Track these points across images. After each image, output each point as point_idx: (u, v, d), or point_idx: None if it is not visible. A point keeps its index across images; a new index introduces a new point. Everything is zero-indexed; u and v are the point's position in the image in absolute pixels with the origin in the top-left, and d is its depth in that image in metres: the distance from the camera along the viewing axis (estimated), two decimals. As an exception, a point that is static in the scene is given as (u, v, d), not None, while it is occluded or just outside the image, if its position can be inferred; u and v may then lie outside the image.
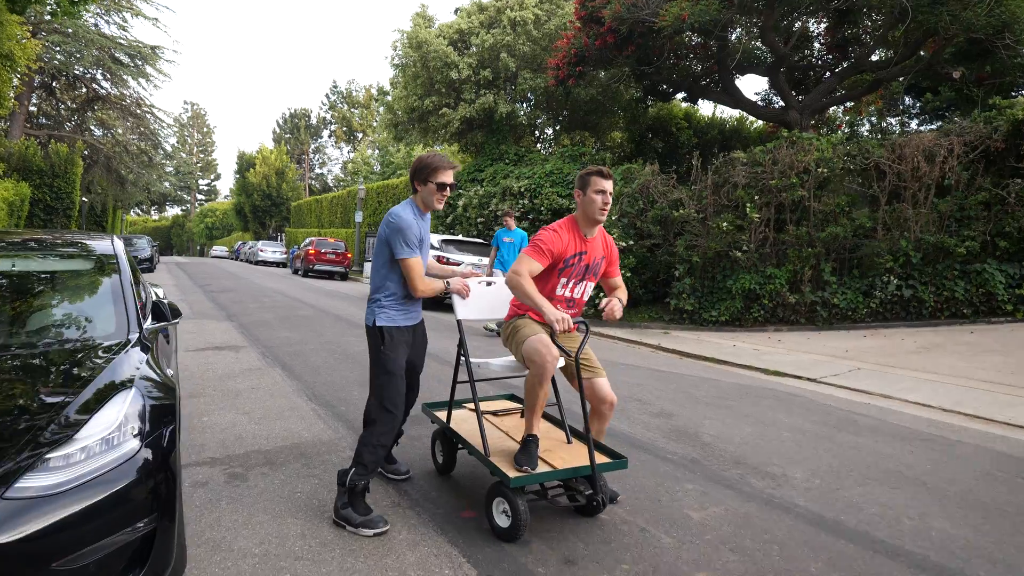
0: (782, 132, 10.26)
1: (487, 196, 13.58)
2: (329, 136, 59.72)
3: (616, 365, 6.57)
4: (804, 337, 8.39)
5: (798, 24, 12.75)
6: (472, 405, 3.05)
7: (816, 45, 14.25)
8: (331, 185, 54.33)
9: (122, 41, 21.92)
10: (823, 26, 13.47)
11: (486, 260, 11.60)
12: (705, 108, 30.54)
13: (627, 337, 8.75)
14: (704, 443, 4.02)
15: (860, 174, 9.07)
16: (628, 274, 9.77)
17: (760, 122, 17.82)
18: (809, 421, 4.63)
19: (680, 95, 14.91)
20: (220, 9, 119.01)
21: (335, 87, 60.82)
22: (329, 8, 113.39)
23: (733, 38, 12.88)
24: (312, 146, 59.99)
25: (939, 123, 15.09)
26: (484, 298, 3.04)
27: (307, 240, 22.36)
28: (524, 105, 15.41)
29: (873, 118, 17.20)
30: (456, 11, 16.03)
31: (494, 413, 3.33)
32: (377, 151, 44.38)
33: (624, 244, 9.75)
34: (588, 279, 2.82)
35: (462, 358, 2.91)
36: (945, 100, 14.45)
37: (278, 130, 60.64)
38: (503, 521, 2.54)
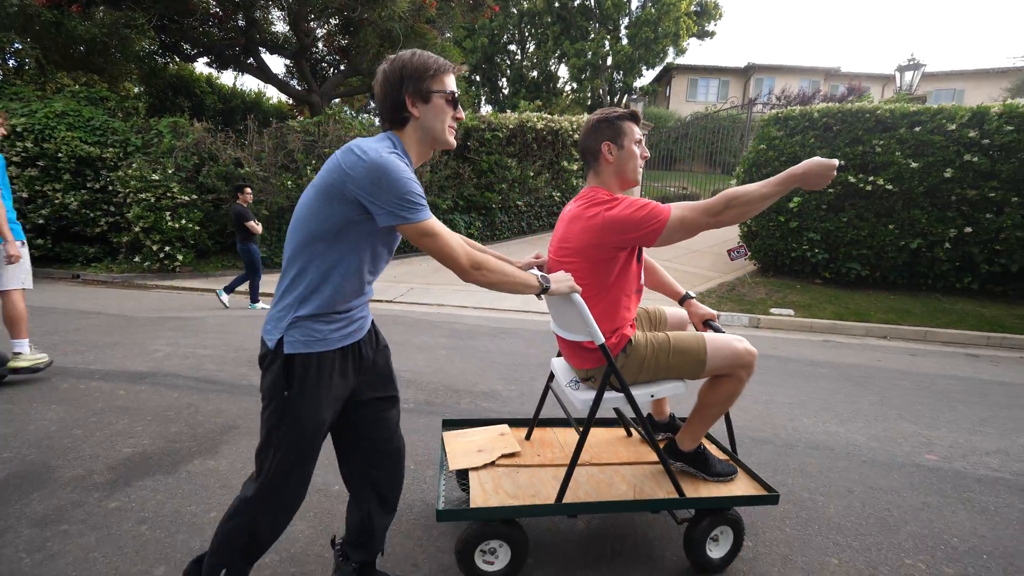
0: (320, 111, 12.43)
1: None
2: None
3: (212, 312, 6.91)
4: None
5: (314, 24, 15.12)
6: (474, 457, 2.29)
7: (320, 46, 16.98)
8: None
9: None
10: (324, 31, 16.27)
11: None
12: (225, 77, 29.52)
13: (205, 287, 9.13)
14: (409, 381, 4.07)
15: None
16: (197, 228, 10.11)
17: (275, 99, 19.48)
18: (452, 338, 5.55)
19: (204, 59, 15.01)
20: None
21: None
22: None
23: (259, 16, 14.12)
24: None
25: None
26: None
27: None
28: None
29: (352, 111, 21.72)
30: None
31: (510, 456, 2.32)
32: None
33: (187, 198, 10.02)
34: None
35: None
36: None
37: None
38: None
